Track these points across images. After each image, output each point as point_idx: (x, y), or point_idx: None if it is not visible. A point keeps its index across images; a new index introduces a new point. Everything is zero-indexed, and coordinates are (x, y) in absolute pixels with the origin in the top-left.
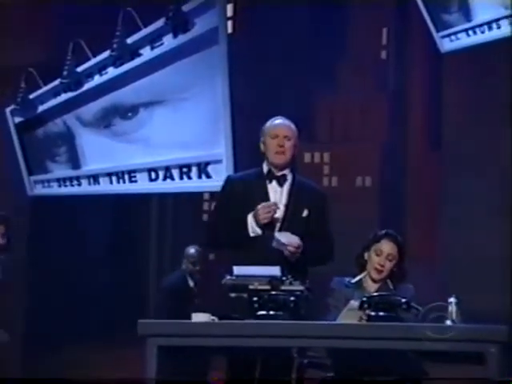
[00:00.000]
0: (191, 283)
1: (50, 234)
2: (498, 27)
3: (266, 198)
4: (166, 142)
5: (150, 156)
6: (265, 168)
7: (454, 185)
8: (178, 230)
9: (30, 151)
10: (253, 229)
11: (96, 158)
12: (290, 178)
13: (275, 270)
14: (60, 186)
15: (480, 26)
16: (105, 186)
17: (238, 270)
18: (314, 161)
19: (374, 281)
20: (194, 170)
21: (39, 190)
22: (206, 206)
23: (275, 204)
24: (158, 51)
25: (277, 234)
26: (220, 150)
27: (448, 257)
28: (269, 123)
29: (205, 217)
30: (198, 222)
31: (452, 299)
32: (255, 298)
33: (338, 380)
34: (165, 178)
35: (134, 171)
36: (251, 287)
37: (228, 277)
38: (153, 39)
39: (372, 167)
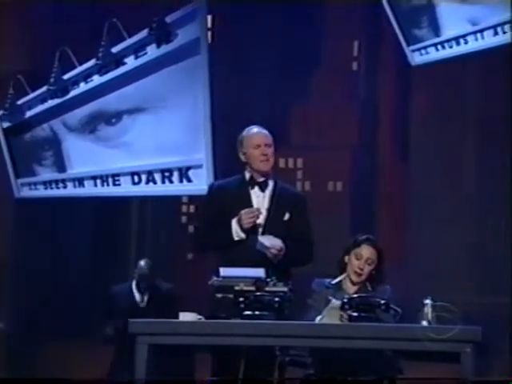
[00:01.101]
0: (137, 296)
1: (35, 234)
2: (466, 42)
3: (249, 203)
4: (149, 147)
5: (133, 160)
6: (247, 175)
7: (421, 188)
8: (157, 230)
9: (17, 155)
10: (237, 233)
11: (81, 161)
12: (271, 183)
13: (260, 272)
14: (46, 188)
15: (448, 41)
16: (89, 189)
17: (224, 271)
18: (288, 166)
19: (354, 283)
20: (176, 174)
21: (26, 193)
22: (184, 209)
23: (258, 210)
24: (141, 60)
25: (260, 238)
26: (200, 155)
27: (418, 257)
28: (246, 133)
29: (183, 219)
30: (177, 223)
31: (427, 301)
32: (241, 299)
33: (321, 380)
34: (147, 182)
35: (118, 175)
36: (237, 288)
37: (215, 278)
38: (137, 49)
39: (343, 173)
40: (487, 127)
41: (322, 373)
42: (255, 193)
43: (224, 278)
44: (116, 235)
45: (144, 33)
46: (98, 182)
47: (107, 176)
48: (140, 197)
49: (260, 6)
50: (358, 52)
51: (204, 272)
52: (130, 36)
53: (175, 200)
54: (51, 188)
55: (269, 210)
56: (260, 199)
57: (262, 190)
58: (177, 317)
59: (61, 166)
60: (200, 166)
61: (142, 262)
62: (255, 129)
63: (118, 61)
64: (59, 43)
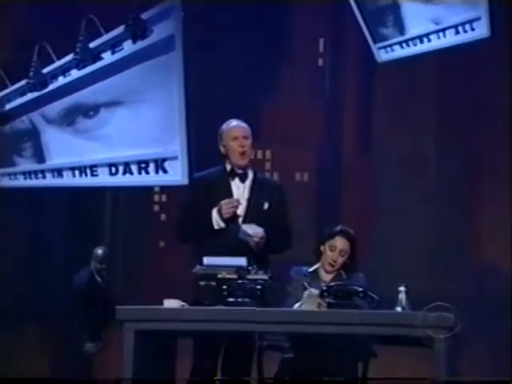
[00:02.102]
0: (98, 279)
1: (14, 222)
2: (429, 41)
3: (230, 193)
4: (126, 139)
5: (110, 152)
6: (228, 166)
7: (383, 178)
8: (130, 218)
9: None
10: (217, 222)
11: (60, 153)
12: (250, 174)
13: (242, 261)
14: (26, 178)
15: (412, 39)
16: (68, 180)
17: (207, 260)
18: (257, 157)
19: (327, 272)
20: (152, 165)
21: (6, 182)
22: (156, 198)
23: (238, 200)
24: (118, 55)
25: (243, 226)
26: (176, 147)
27: (382, 244)
28: (225, 127)
29: (156, 207)
30: (149, 211)
31: (402, 288)
32: (225, 286)
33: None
34: (124, 173)
35: (96, 166)
36: (220, 276)
37: (198, 266)
38: (113, 44)
39: (309, 164)
40: (447, 122)
41: (300, 356)
42: (235, 184)
43: (207, 266)
44: (90, 223)
45: (120, 29)
46: (77, 172)
47: (85, 167)
48: (115, 187)
49: (231, 5)
50: (323, 49)
51: (175, 259)
52: (106, 32)
53: (147, 189)
54: (30, 178)
55: (249, 200)
56: (240, 190)
57: (242, 180)
58: (137, 302)
59: (40, 157)
60: (175, 158)
61: (100, 250)
62: (234, 122)
63: (96, 56)
64: (38, 38)
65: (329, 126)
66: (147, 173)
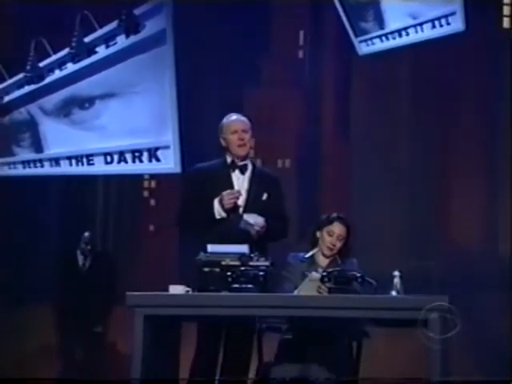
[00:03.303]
0: (80, 259)
1: (14, 209)
2: (407, 34)
3: (230, 184)
4: (120, 129)
5: (105, 142)
6: (228, 159)
7: (360, 164)
8: (122, 204)
9: None
10: (219, 212)
11: (57, 143)
12: (250, 166)
13: (244, 248)
14: (24, 167)
15: (392, 33)
16: (65, 168)
17: (211, 247)
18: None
19: (326, 256)
20: (145, 154)
21: (6, 171)
22: (146, 184)
23: (238, 191)
24: (112, 49)
25: (245, 216)
26: (168, 137)
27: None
28: (225, 121)
29: (145, 193)
30: (140, 197)
31: (396, 273)
32: (229, 273)
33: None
34: (119, 162)
35: (92, 155)
36: (223, 263)
37: (202, 253)
38: (107, 39)
39: (291, 151)
40: (422, 111)
41: (298, 337)
42: (236, 175)
43: (211, 253)
44: (84, 208)
45: (114, 24)
46: (73, 161)
47: (82, 156)
48: (110, 175)
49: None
50: (303, 41)
51: (164, 242)
52: (100, 27)
53: (137, 176)
54: (29, 167)
55: (249, 191)
56: (240, 181)
57: (242, 172)
58: (129, 283)
59: (38, 146)
60: (167, 147)
61: (87, 234)
62: (234, 116)
63: (90, 50)
64: (35, 33)
65: (309, 114)
66: (141, 161)
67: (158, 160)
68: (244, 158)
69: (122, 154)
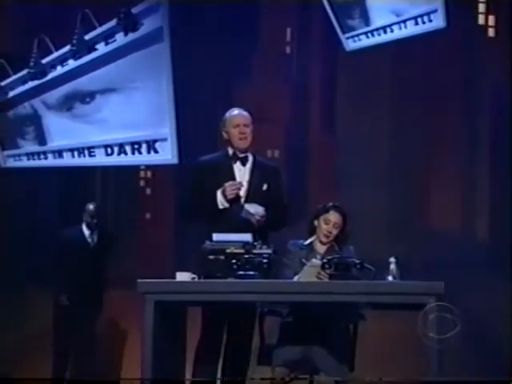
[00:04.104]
0: (87, 232)
1: (18, 198)
2: (391, 31)
3: (232, 176)
4: (120, 122)
5: (106, 134)
6: (230, 151)
7: (345, 155)
8: (120, 193)
9: (2, 130)
10: (221, 203)
11: (60, 135)
12: (251, 158)
13: (248, 237)
14: (29, 159)
15: (377, 29)
16: (67, 160)
17: (216, 236)
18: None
19: (323, 243)
20: (144, 146)
21: (11, 163)
22: (142, 174)
23: (240, 183)
24: (111, 46)
25: (246, 206)
26: (165, 129)
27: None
28: (228, 115)
29: (141, 182)
30: (136, 186)
31: (392, 259)
32: (234, 261)
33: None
34: (119, 153)
35: (93, 147)
36: (228, 251)
37: (208, 242)
38: (107, 36)
39: (280, 142)
40: (405, 104)
41: (298, 321)
42: (237, 167)
43: (216, 242)
44: (84, 196)
45: (113, 22)
46: (76, 153)
47: (83, 148)
48: (110, 166)
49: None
50: (290, 37)
51: (160, 229)
52: (100, 25)
53: (134, 167)
54: (33, 159)
55: (250, 182)
56: (242, 172)
57: (243, 164)
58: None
59: (42, 139)
60: (165, 139)
61: (91, 206)
62: (236, 111)
63: (90, 47)
64: (37, 32)
65: (297, 107)
66: (140, 153)
67: (156, 152)
68: (245, 151)
69: (121, 146)
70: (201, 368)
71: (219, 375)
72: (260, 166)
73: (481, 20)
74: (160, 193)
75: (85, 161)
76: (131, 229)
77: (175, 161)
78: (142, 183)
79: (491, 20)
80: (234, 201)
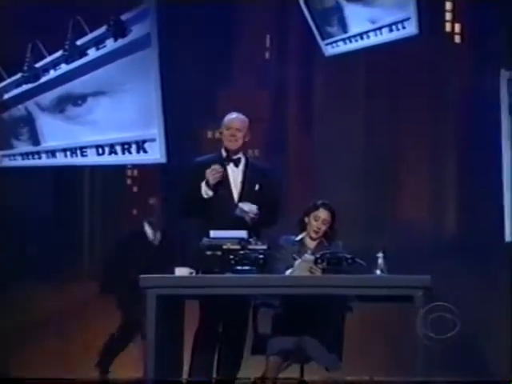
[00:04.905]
0: (150, 234)
1: (12, 197)
2: (368, 37)
3: (226, 176)
4: (110, 124)
5: (97, 135)
6: (223, 153)
7: (321, 153)
8: (108, 190)
9: None
10: (206, 192)
11: (53, 136)
12: (243, 160)
13: (243, 234)
14: (23, 159)
15: (354, 36)
16: (60, 160)
17: (214, 233)
18: (215, 137)
19: (313, 239)
20: (134, 146)
21: (6, 163)
22: (129, 173)
23: (220, 167)
24: (101, 52)
25: (240, 204)
26: (154, 130)
27: None
28: (226, 117)
29: (128, 181)
30: (123, 184)
31: (380, 254)
32: (231, 256)
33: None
34: (110, 153)
35: (85, 147)
36: (225, 247)
37: (205, 238)
38: (97, 42)
39: (259, 142)
40: (377, 107)
41: (291, 312)
42: (231, 168)
43: (213, 238)
44: (75, 195)
45: (103, 29)
46: (68, 153)
47: (76, 148)
48: (102, 165)
49: (195, 6)
50: (270, 44)
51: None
52: (91, 31)
53: (121, 166)
54: (28, 159)
55: (243, 182)
56: (235, 173)
57: (236, 165)
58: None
59: (35, 140)
60: (154, 140)
61: (152, 201)
62: (234, 115)
63: (82, 52)
64: (31, 37)
65: (275, 109)
66: (130, 153)
67: (145, 151)
68: (236, 152)
69: (112, 146)
70: (198, 358)
71: (215, 364)
72: (252, 167)
73: (448, 27)
74: (145, 190)
75: (77, 160)
76: (119, 223)
77: (163, 160)
78: (128, 182)
79: (457, 27)
80: (219, 186)
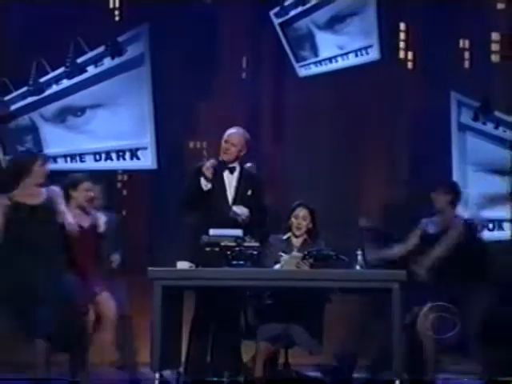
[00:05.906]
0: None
1: None
2: (336, 61)
3: (222, 181)
4: (107, 133)
5: (94, 143)
6: (221, 160)
7: (292, 162)
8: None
9: (4, 138)
10: (205, 185)
11: (54, 144)
12: (238, 168)
13: (239, 232)
14: None
15: (324, 60)
16: (61, 165)
17: (212, 231)
18: (196, 147)
19: (296, 236)
20: (128, 154)
21: None
22: (120, 178)
23: (213, 161)
24: (100, 69)
25: (234, 208)
26: (146, 139)
27: None
28: (227, 131)
29: (119, 185)
30: (114, 188)
31: (359, 251)
32: (228, 252)
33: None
34: (106, 159)
35: (83, 154)
36: (222, 244)
37: (204, 236)
38: (96, 60)
39: None
40: (343, 122)
41: (278, 302)
42: (226, 174)
43: (212, 236)
44: None
45: (101, 48)
46: (68, 159)
47: (75, 155)
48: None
49: (182, 31)
50: (246, 65)
51: (135, 223)
52: (90, 50)
53: (112, 171)
54: None
55: (237, 188)
56: (230, 179)
57: (232, 172)
58: None
59: (39, 147)
60: (146, 148)
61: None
62: (233, 129)
63: (82, 69)
64: (36, 55)
65: (251, 123)
66: (124, 159)
67: (138, 158)
68: (232, 162)
69: (108, 153)
70: (195, 342)
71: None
72: (246, 175)
73: (401, 55)
74: (134, 193)
75: (76, 166)
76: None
77: (154, 166)
78: (119, 185)
79: (410, 55)
80: (214, 177)
